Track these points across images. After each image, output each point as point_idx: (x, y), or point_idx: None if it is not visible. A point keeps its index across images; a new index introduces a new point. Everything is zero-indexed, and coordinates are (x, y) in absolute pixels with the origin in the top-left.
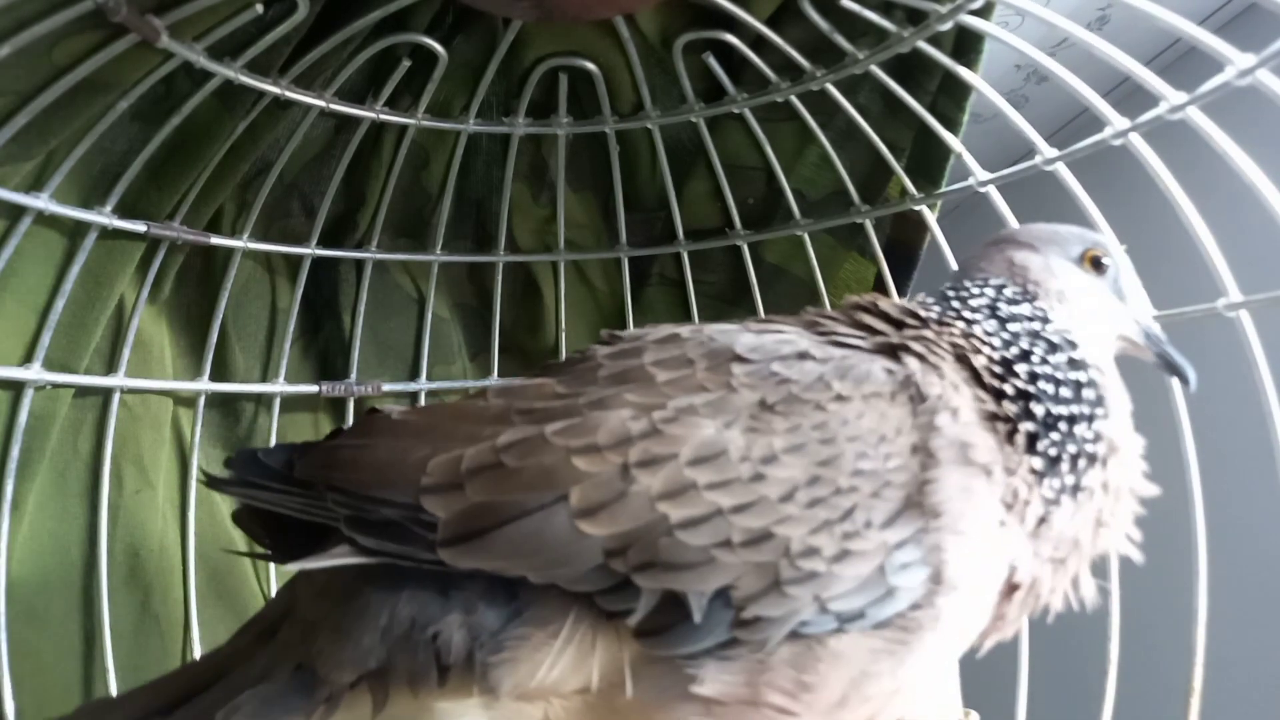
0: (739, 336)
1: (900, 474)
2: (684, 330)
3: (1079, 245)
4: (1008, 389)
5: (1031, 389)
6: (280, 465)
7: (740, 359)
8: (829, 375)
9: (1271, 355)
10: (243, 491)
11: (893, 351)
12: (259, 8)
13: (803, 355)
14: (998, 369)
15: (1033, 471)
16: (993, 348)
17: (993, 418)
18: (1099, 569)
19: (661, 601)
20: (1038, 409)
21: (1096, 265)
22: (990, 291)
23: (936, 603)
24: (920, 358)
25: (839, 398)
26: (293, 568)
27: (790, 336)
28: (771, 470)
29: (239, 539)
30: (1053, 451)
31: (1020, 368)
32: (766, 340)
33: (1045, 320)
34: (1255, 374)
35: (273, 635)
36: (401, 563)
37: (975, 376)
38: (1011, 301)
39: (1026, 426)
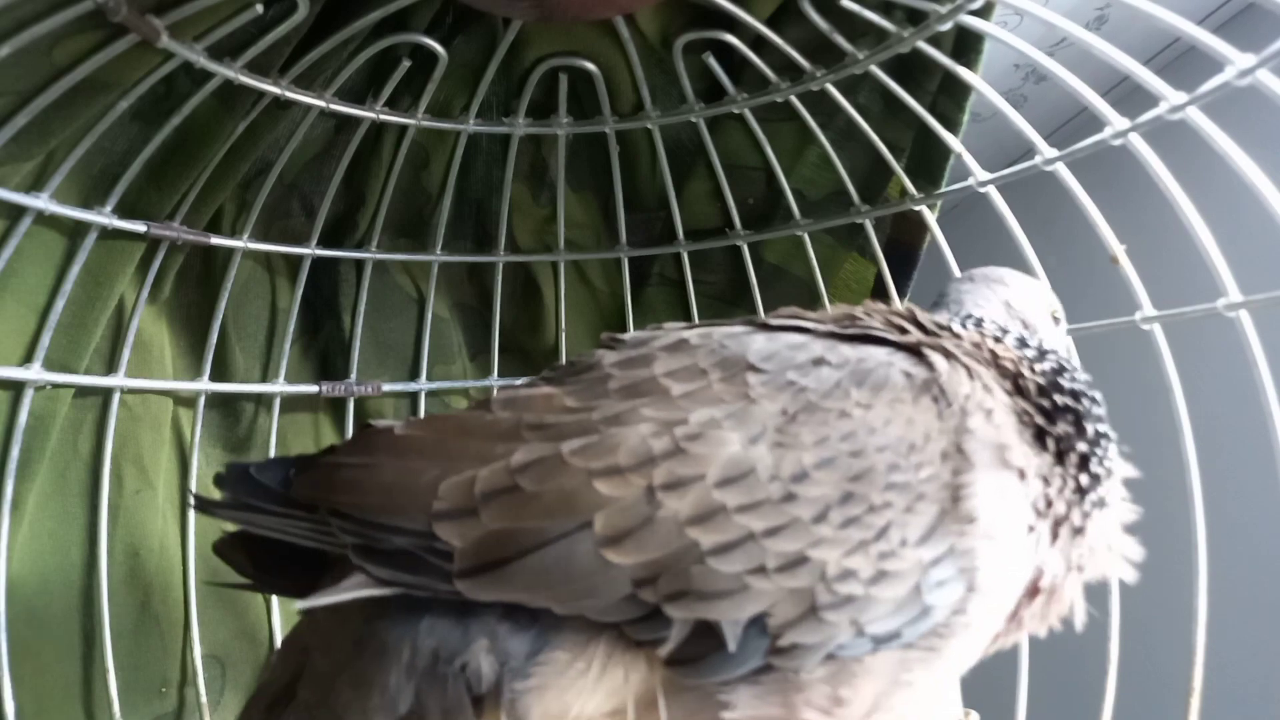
0: (750, 342)
1: (931, 484)
2: (692, 335)
3: (1048, 299)
4: (1057, 401)
5: (1075, 405)
6: (277, 484)
7: (754, 368)
8: (846, 382)
9: (1271, 355)
10: (239, 516)
11: (917, 351)
12: (259, 8)
13: (818, 361)
14: (1041, 381)
15: (1078, 489)
16: (1030, 361)
17: (1035, 428)
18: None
19: (694, 631)
20: (1088, 426)
21: (1055, 320)
22: (1001, 325)
23: (968, 609)
24: (948, 356)
25: (860, 405)
26: (303, 605)
27: (804, 340)
28: (803, 489)
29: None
30: (1097, 469)
31: (1063, 380)
32: (779, 346)
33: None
34: (1255, 374)
35: (287, 702)
36: (417, 593)
37: (1012, 384)
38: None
39: (1080, 446)
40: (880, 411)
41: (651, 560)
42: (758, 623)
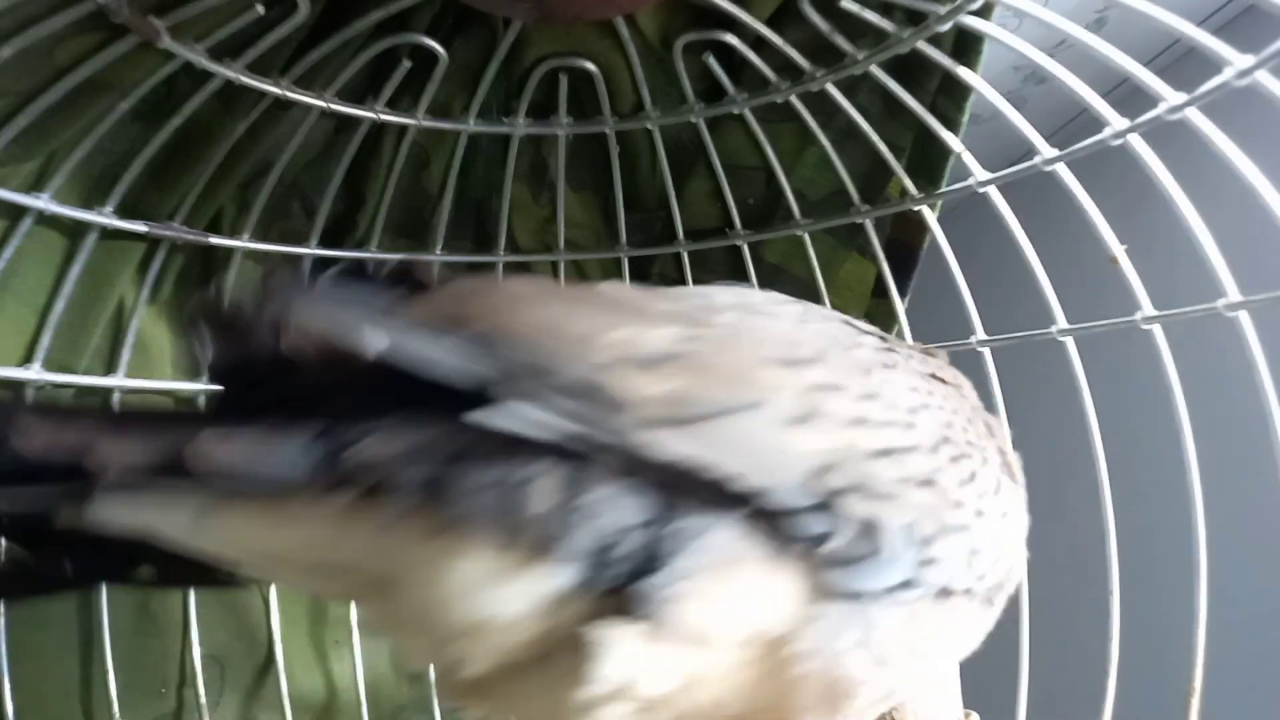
0: (781, 310)
1: (989, 450)
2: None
3: None
4: None
5: None
6: (382, 296)
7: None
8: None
9: (1271, 355)
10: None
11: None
12: (260, 8)
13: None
14: None
15: None
16: None
17: None
18: (1100, 570)
19: (856, 531)
20: None
21: None
22: None
23: (1015, 568)
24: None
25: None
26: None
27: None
28: (918, 419)
29: None
30: None
31: None
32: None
33: None
34: (1255, 374)
35: None
36: (571, 446)
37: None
38: None
39: None
40: (926, 384)
41: (826, 449)
42: (908, 531)
